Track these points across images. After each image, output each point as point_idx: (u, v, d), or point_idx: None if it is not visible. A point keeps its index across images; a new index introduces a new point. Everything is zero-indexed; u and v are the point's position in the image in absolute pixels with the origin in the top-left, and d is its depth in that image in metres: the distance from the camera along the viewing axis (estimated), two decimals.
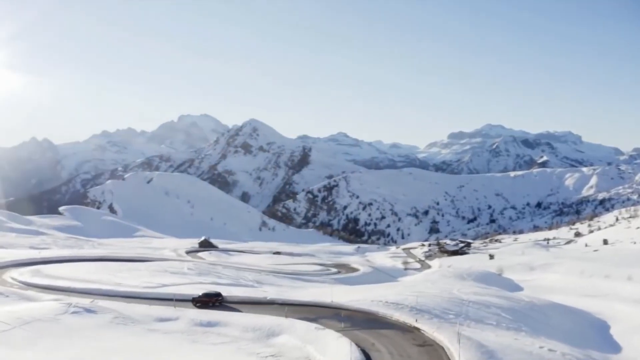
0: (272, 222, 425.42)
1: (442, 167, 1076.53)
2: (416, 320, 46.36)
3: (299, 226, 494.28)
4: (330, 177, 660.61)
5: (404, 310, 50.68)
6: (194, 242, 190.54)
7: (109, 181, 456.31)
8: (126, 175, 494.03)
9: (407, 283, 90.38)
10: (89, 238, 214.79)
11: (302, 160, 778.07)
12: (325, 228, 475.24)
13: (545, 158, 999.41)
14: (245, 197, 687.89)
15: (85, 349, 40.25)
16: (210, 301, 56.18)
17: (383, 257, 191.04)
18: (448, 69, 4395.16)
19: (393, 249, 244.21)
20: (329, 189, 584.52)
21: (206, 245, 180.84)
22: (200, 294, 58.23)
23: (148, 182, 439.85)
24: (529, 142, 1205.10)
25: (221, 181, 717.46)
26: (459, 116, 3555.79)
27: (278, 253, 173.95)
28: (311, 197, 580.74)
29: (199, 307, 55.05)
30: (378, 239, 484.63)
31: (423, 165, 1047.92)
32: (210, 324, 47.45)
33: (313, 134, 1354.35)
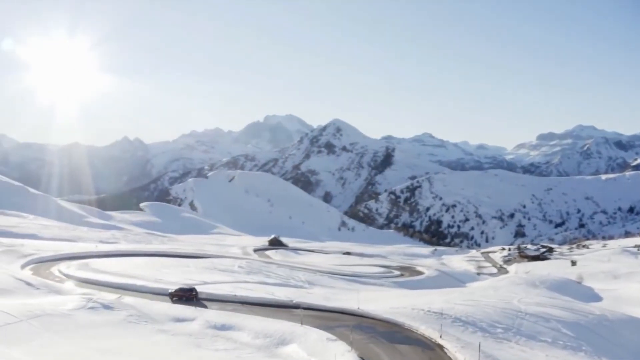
0: (351, 222, 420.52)
1: (530, 169, 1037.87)
2: (440, 336, 40.29)
3: (381, 227, 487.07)
4: (413, 177, 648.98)
5: (445, 322, 44.76)
6: (266, 241, 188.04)
7: (191, 179, 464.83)
8: (209, 174, 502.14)
9: (468, 290, 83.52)
10: (165, 234, 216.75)
11: (385, 161, 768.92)
12: (407, 229, 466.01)
13: (639, 161, 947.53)
14: (327, 197, 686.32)
15: (80, 348, 37.36)
16: (185, 296, 55.99)
17: (459, 261, 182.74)
18: (537, 70, 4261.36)
19: (472, 252, 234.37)
20: (412, 189, 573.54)
21: (276, 243, 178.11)
22: (176, 288, 58.01)
23: (230, 180, 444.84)
24: (622, 144, 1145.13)
25: (304, 181, 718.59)
26: (548, 117, 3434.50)
27: (348, 253, 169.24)
28: (393, 197, 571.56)
29: (175, 302, 54.38)
30: (461, 241, 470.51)
31: (510, 167, 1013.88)
32: (224, 327, 43.55)
33: (398, 135, 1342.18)
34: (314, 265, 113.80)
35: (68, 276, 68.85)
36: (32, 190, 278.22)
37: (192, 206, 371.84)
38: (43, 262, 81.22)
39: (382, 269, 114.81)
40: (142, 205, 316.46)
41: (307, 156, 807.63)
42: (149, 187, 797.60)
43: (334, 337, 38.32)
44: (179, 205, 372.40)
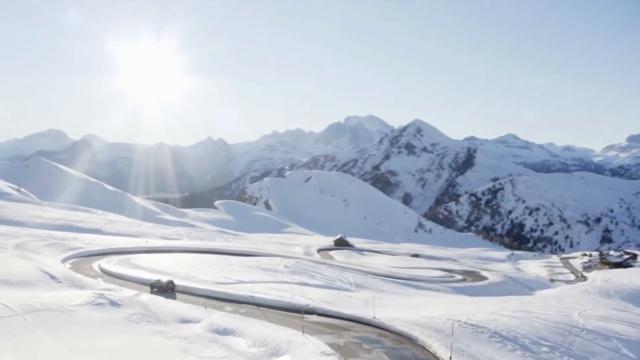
0: (429, 224, 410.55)
1: (619, 172, 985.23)
2: (450, 357, 34.21)
3: (461, 230, 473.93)
4: (495, 179, 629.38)
5: (482, 336, 38.77)
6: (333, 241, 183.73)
7: (266, 178, 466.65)
8: (287, 173, 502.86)
9: (530, 298, 75.86)
10: (236, 232, 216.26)
11: (466, 162, 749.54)
12: (487, 233, 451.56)
13: None
14: (407, 199, 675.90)
15: (63, 348, 34.61)
16: (162, 288, 56.41)
17: (536, 267, 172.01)
18: (627, 70, 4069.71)
19: (552, 258, 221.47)
20: (494, 192, 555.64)
21: (341, 243, 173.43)
22: (154, 280, 58.31)
23: (306, 180, 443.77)
24: None
25: (383, 181, 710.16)
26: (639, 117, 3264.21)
27: (416, 255, 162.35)
28: (474, 200, 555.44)
29: (154, 293, 54.48)
30: (544, 246, 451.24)
31: (598, 169, 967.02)
32: (225, 332, 39.63)
33: (481, 136, 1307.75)
34: (373, 266, 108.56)
35: (104, 271, 67.84)
36: (108, 187, 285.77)
37: (267, 205, 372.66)
38: (86, 257, 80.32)
39: (442, 273, 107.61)
40: (216, 203, 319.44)
41: (387, 157, 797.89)
42: (230, 187, 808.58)
43: (329, 351, 33.21)
44: (254, 204, 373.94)
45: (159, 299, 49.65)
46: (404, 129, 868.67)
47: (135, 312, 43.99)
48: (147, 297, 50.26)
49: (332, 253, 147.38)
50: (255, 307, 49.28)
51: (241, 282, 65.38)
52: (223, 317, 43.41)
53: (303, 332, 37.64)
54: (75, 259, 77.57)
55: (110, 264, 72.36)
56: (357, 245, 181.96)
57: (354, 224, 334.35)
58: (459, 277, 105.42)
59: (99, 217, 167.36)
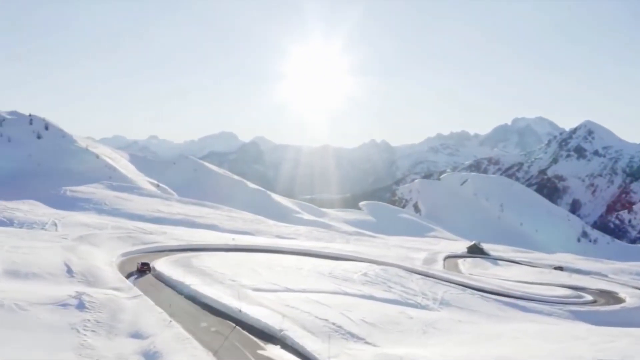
0: (595, 233, 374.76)
1: None
2: None
3: (633, 241, 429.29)
4: None
5: None
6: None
7: (417, 180, 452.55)
8: (442, 176, 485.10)
9: None
10: (375, 234, 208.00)
11: None
12: None
13: None
14: (575, 206, 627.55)
15: None
16: (142, 269, 61.07)
17: None
18: None
19: None
20: None
21: (475, 251, 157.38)
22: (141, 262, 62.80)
23: (462, 183, 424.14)
24: None
25: (550, 187, 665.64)
26: None
27: (560, 268, 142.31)
28: None
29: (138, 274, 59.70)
30: None
31: None
32: (147, 355, 31.25)
33: None
34: (497, 278, 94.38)
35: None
36: (250, 185, 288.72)
37: (416, 207, 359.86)
38: (150, 252, 76.02)
39: (568, 292, 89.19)
40: (361, 204, 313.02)
41: (555, 160, 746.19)
42: (391, 189, 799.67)
43: None
44: (403, 206, 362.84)
45: (140, 306, 43.11)
46: (574, 131, 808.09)
47: (92, 319, 38.23)
48: (129, 302, 43.99)
49: (460, 261, 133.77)
50: (233, 324, 40.21)
51: (288, 289, 56.77)
52: (173, 335, 34.14)
53: None
54: (135, 255, 73.21)
55: (160, 261, 67.55)
56: (496, 254, 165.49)
57: (507, 230, 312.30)
58: (589, 298, 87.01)
59: (221, 213, 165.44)
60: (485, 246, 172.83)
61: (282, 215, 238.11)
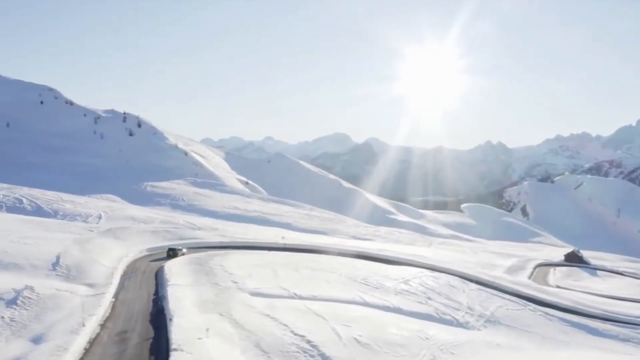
0: None
1: None
2: None
3: None
4: None
5: None
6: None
7: (526, 182, 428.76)
8: (556, 179, 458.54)
9: None
10: (473, 237, 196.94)
11: None
12: None
13: None
14: None
15: None
16: (169, 254, 64.59)
17: None
18: None
19: None
20: None
21: (573, 259, 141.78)
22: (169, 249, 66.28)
23: (577, 187, 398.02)
24: None
25: None
26: None
27: None
28: None
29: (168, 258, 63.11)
30: None
31: None
32: None
33: None
34: (573, 294, 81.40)
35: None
36: (344, 184, 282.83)
37: (524, 211, 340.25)
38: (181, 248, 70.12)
39: None
40: (462, 206, 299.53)
41: None
42: (506, 192, 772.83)
43: None
44: (510, 209, 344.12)
45: (84, 305, 37.89)
46: None
47: (8, 316, 33.68)
48: (79, 300, 39.19)
49: (553, 269, 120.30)
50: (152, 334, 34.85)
51: (294, 295, 49.05)
52: (66, 343, 28.28)
53: None
54: (161, 251, 67.91)
55: (179, 258, 63.01)
56: (603, 263, 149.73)
57: (622, 238, 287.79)
58: None
59: (300, 212, 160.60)
60: (592, 254, 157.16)
61: (374, 215, 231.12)
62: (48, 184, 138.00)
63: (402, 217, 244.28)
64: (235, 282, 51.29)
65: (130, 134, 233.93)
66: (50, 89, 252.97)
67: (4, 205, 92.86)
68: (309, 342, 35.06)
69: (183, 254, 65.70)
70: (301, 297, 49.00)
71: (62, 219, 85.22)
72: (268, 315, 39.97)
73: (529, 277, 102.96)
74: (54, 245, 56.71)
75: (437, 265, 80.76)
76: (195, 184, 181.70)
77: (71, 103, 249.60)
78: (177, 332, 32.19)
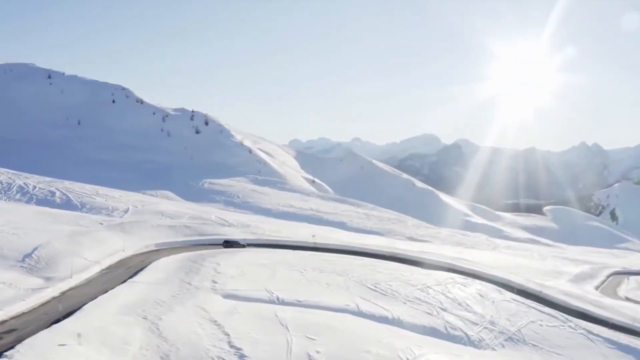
0: None
1: None
2: None
3: None
4: None
5: None
6: None
7: (617, 184, 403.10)
8: None
9: None
10: (553, 242, 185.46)
11: None
12: None
13: None
14: None
15: None
16: (230, 246, 67.21)
17: None
18: None
19: None
20: None
21: None
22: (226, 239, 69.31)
23: None
24: None
25: None
26: None
27: None
28: None
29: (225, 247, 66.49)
30: None
31: None
32: None
33: None
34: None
35: None
36: (419, 185, 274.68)
37: (613, 215, 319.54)
38: (187, 246, 66.24)
39: None
40: (545, 209, 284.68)
41: None
42: (594, 194, 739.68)
43: None
44: (599, 213, 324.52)
45: None
46: None
47: None
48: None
49: (627, 279, 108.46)
50: None
51: (275, 300, 44.60)
52: None
53: None
54: (167, 247, 64.08)
55: (178, 255, 58.56)
56: None
57: None
58: None
59: (358, 211, 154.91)
60: None
61: (447, 217, 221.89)
62: (107, 180, 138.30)
63: (477, 220, 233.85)
64: (215, 283, 46.71)
65: (197, 132, 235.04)
66: (123, 88, 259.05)
67: (35, 197, 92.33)
68: (241, 356, 29.27)
69: (244, 247, 68.14)
70: (282, 302, 43.68)
71: (85, 212, 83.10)
72: (215, 321, 34.81)
73: (597, 287, 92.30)
74: (41, 236, 54.58)
75: (477, 271, 72.56)
76: (255, 182, 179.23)
77: (141, 101, 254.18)
78: (43, 336, 27.30)
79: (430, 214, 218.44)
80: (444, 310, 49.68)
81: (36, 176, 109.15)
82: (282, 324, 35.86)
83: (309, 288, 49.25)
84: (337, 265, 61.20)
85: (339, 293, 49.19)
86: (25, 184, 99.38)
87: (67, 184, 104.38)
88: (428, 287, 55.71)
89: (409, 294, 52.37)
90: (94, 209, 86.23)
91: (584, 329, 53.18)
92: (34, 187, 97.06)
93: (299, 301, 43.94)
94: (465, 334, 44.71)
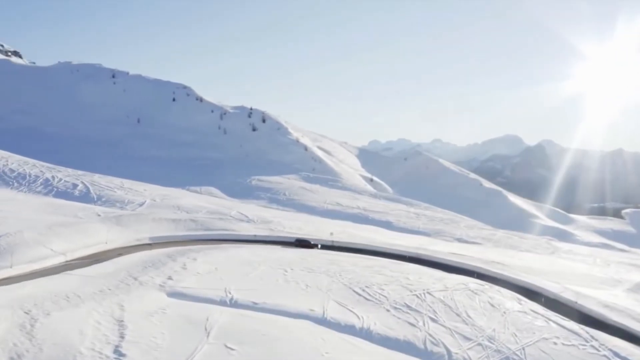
0: None
1: None
2: None
3: None
4: None
5: None
6: None
7: None
8: None
9: None
10: (629, 247, 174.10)
11: None
12: None
13: None
14: None
15: None
16: (302, 245, 67.47)
17: None
18: None
19: None
20: None
21: None
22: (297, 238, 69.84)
23: None
24: None
25: None
26: None
27: None
28: None
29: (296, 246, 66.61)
30: None
31: None
32: None
33: None
34: None
35: None
36: (485, 184, 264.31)
37: None
38: (193, 240, 64.77)
39: None
40: (623, 212, 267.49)
41: None
42: None
43: None
44: None
45: None
46: None
47: None
48: None
49: None
50: None
51: (227, 301, 41.14)
52: None
53: None
54: (164, 241, 61.37)
55: (156, 250, 55.63)
56: None
57: None
58: None
59: (408, 210, 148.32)
60: None
61: (514, 218, 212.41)
62: (153, 175, 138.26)
63: (546, 222, 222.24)
64: (170, 279, 42.88)
65: (253, 129, 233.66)
66: (185, 87, 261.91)
67: (55, 189, 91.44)
68: None
69: (317, 248, 68.30)
70: (234, 304, 39.02)
71: (99, 205, 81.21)
72: (121, 322, 30.57)
73: None
74: (17, 225, 52.29)
75: (506, 276, 65.14)
76: (306, 179, 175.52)
77: (201, 99, 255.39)
78: None
79: (496, 215, 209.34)
80: (434, 321, 42.94)
81: (70, 170, 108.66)
82: (206, 330, 30.95)
83: (279, 289, 44.09)
84: (336, 265, 55.63)
85: (313, 296, 43.60)
86: (53, 176, 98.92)
87: (97, 177, 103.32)
88: (428, 292, 49.16)
89: (400, 300, 46.06)
90: (109, 202, 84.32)
91: (610, 349, 44.67)
92: (60, 180, 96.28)
93: (255, 304, 38.83)
94: (448, 351, 37.75)
